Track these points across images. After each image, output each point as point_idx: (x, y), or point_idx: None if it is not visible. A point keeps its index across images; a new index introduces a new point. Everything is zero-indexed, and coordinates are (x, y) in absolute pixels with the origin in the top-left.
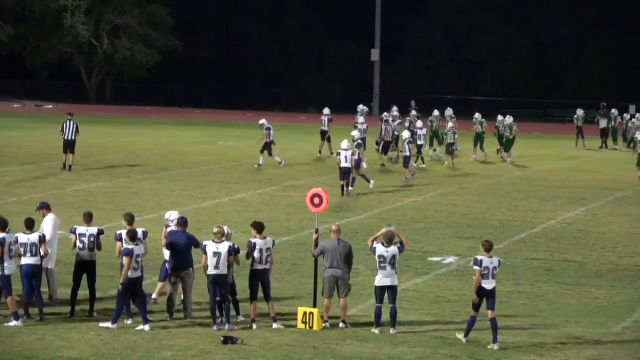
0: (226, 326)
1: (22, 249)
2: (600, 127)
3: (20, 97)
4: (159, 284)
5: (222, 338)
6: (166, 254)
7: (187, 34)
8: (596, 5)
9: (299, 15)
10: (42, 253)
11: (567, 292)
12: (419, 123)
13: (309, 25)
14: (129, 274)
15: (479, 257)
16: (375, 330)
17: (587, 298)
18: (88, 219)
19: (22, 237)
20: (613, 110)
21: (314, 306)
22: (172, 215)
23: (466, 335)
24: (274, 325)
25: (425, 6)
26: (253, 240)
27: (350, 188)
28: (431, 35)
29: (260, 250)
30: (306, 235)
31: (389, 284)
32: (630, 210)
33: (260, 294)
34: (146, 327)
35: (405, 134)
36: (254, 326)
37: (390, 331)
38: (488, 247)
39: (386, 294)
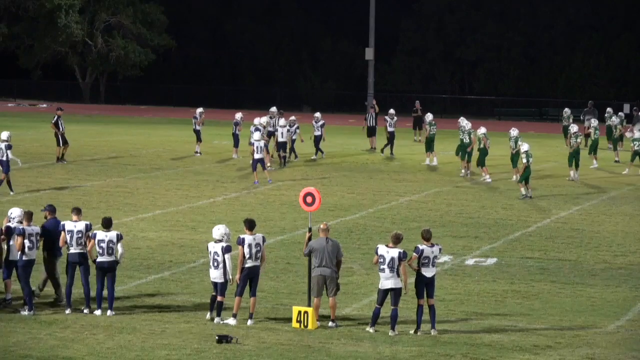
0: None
1: None
2: (586, 126)
3: (14, 96)
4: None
5: (216, 337)
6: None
7: (181, 33)
8: (589, 4)
9: (293, 15)
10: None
11: (561, 291)
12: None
13: (303, 24)
14: (23, 257)
15: (420, 246)
16: (370, 329)
17: (582, 297)
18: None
19: None
20: (608, 109)
21: (309, 305)
22: (14, 212)
23: (418, 327)
24: (249, 322)
25: (418, 5)
26: (242, 236)
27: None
28: (424, 34)
29: (250, 246)
30: (301, 235)
31: (391, 286)
32: (624, 209)
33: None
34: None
35: (257, 135)
36: (232, 321)
37: (390, 333)
38: (427, 237)
39: (389, 296)
